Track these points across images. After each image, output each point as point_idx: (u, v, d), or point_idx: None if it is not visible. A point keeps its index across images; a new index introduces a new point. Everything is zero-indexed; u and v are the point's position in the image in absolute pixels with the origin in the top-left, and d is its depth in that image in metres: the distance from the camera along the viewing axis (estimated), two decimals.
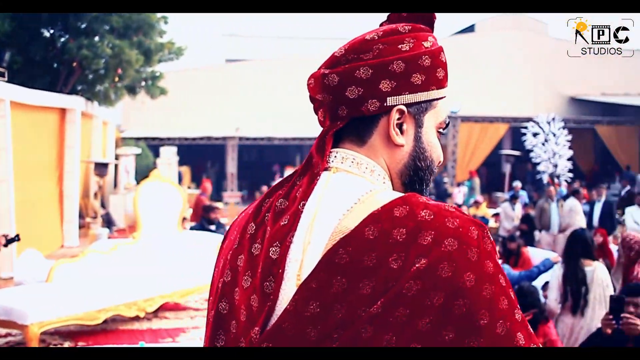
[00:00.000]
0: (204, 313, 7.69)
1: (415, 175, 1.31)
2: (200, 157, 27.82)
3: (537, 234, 12.24)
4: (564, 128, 20.66)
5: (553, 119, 20.70)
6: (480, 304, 1.06)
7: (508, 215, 13.08)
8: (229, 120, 24.85)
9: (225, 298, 1.25)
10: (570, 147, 20.36)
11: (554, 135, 20.36)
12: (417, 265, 1.06)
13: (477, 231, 1.11)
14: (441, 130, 1.36)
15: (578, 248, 5.62)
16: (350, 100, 1.24)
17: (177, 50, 16.36)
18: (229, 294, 1.25)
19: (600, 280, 5.54)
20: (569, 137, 20.59)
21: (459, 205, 13.54)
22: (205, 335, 1.34)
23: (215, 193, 21.65)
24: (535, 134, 20.55)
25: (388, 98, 1.24)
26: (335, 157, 1.28)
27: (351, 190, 1.21)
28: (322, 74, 1.28)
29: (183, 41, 16.92)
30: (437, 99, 1.31)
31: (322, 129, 1.31)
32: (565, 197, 14.09)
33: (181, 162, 22.44)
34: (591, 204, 13.83)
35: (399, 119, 1.26)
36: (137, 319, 7.21)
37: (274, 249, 1.20)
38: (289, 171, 25.08)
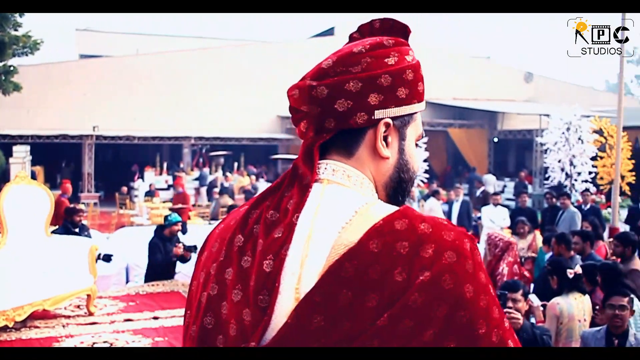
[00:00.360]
0: (77, 320, 7.35)
1: (399, 187, 1.33)
2: (55, 156, 26.56)
3: None
4: None
5: None
6: (479, 314, 1.09)
7: None
8: (86, 118, 23.87)
9: (211, 312, 1.21)
10: (426, 149, 21.24)
11: None
12: (421, 278, 1.08)
13: (469, 243, 1.14)
14: (418, 142, 1.40)
15: None
16: (339, 113, 1.24)
17: (33, 44, 15.51)
18: (216, 308, 1.21)
19: None
20: (425, 139, 21.46)
21: None
22: None
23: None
24: None
25: (375, 111, 1.25)
26: (325, 169, 1.28)
27: (347, 203, 1.21)
28: (310, 85, 1.27)
29: (37, 34, 16.05)
30: (417, 112, 1.34)
31: (302, 140, 1.30)
32: (425, 197, 14.70)
33: (34, 162, 21.31)
34: (449, 203, 14.44)
35: (385, 132, 1.28)
36: (5, 329, 6.77)
37: (267, 262, 1.17)
38: (149, 172, 24.45)
